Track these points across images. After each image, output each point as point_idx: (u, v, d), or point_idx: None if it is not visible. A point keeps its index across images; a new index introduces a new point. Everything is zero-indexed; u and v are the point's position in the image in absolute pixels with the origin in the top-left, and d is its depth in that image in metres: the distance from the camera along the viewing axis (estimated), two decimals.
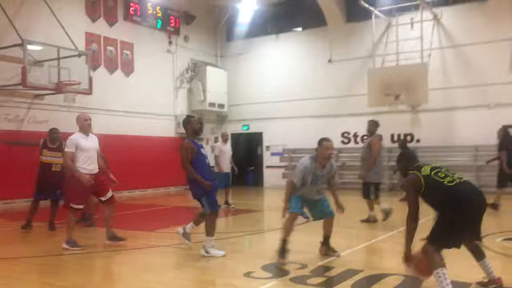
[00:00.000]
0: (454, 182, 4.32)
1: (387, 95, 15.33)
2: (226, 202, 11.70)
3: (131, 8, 16.49)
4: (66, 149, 6.95)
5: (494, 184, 10.87)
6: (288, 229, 5.91)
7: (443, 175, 4.38)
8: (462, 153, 15.56)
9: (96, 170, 7.03)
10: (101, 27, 15.54)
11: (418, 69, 15.31)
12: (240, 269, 5.53)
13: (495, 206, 10.19)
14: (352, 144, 17.51)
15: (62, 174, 8.47)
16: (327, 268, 5.54)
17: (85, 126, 7.04)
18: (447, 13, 16.07)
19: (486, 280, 4.60)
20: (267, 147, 19.44)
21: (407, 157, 4.78)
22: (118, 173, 14.97)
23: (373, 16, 16.49)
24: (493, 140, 11.56)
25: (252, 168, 19.63)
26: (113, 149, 15.37)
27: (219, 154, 11.85)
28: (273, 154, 19.15)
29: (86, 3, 15.09)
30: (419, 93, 15.10)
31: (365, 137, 9.43)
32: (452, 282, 4.19)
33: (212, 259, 6.12)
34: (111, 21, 15.95)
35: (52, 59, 12.39)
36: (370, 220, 8.99)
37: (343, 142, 17.55)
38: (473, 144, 15.15)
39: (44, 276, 5.69)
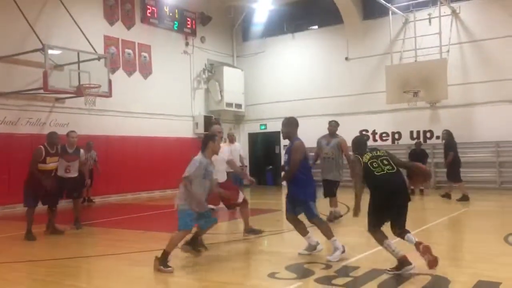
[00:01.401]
0: (382, 173, 5.31)
1: (405, 92, 15.22)
2: None
3: (148, 11, 16.65)
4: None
5: None
6: (174, 245, 5.71)
7: (376, 165, 5.36)
8: (483, 149, 15.34)
9: (221, 180, 6.93)
10: (119, 30, 15.72)
11: (437, 65, 15.17)
12: (264, 269, 5.55)
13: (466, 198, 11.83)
14: (370, 142, 17.38)
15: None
16: (352, 268, 5.50)
17: None
18: (465, 8, 15.87)
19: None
20: (285, 146, 19.40)
21: (359, 143, 5.82)
22: (138, 174, 15.38)
23: (390, 13, 16.38)
24: None
25: (270, 167, 19.64)
26: (132, 150, 15.61)
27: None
28: None
29: (104, 7, 15.28)
30: (438, 89, 14.97)
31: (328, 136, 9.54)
32: (481, 282, 4.13)
33: (237, 260, 6.13)
34: (129, 24, 16.11)
35: (72, 63, 12.55)
36: (335, 217, 8.92)
37: None
38: (494, 140, 14.96)
39: (68, 279, 5.75)
